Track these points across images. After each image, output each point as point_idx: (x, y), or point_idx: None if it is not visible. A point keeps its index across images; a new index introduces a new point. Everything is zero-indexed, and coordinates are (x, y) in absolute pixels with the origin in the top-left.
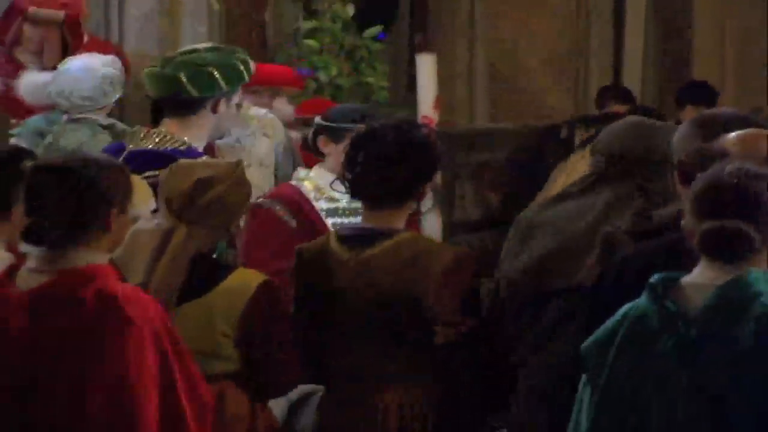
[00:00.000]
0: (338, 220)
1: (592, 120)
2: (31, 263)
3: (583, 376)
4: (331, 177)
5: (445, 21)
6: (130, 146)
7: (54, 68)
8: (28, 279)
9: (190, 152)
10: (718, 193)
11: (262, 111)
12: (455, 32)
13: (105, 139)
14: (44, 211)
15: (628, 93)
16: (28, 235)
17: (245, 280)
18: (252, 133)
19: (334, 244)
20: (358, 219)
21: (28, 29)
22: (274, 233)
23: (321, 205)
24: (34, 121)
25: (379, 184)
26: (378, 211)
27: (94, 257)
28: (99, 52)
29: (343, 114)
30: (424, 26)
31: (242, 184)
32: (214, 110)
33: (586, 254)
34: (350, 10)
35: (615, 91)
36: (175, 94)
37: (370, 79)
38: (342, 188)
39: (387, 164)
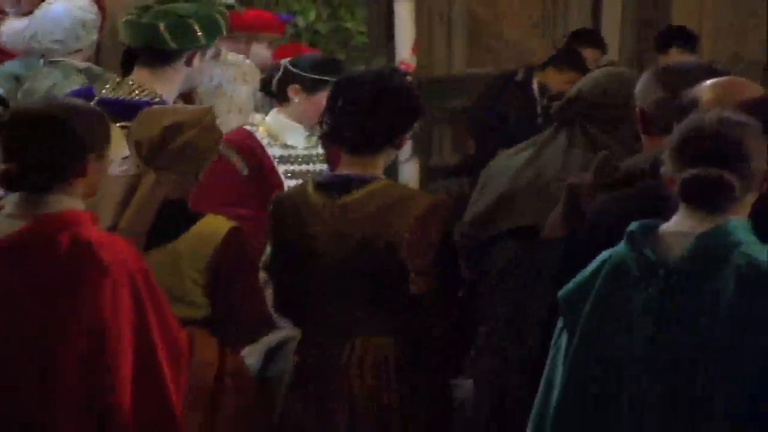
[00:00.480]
0: (291, 167)
1: (553, 60)
2: (8, 209)
3: (560, 322)
4: (290, 124)
5: None
6: (102, 93)
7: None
8: (4, 224)
9: (160, 104)
10: (699, 141)
11: (240, 57)
12: None
13: (79, 82)
14: (21, 157)
15: (598, 38)
16: (6, 181)
17: (214, 226)
18: (232, 79)
19: (311, 191)
20: (314, 166)
21: None
22: (225, 181)
23: (274, 151)
24: (11, 65)
25: (357, 130)
26: (355, 157)
27: (70, 203)
28: None
29: (320, 65)
30: None
31: (212, 130)
32: (189, 63)
33: (535, 198)
34: None
35: (586, 35)
36: (152, 44)
37: (348, 25)
38: (301, 137)
39: (365, 110)
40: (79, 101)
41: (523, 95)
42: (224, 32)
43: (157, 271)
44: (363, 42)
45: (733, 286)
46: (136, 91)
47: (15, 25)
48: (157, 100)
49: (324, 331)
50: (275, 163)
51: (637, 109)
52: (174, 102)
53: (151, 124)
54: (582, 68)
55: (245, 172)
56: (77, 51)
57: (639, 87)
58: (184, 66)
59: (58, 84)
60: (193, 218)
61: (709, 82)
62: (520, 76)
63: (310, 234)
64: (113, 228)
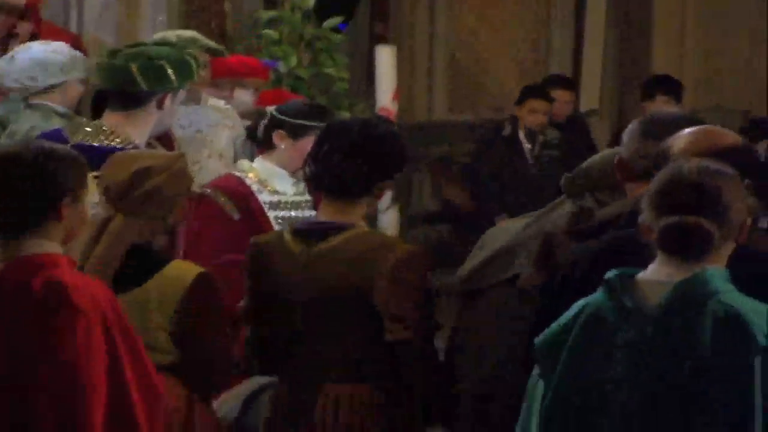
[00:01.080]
0: (281, 213)
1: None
2: None
3: (536, 370)
4: (276, 170)
5: (405, 12)
6: (76, 138)
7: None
8: None
9: (126, 146)
10: (678, 189)
11: (221, 102)
12: (415, 24)
13: (59, 125)
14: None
15: (569, 81)
16: None
17: (181, 272)
18: (213, 124)
19: (287, 237)
20: (302, 212)
21: None
22: (217, 225)
23: (264, 197)
24: None
25: (338, 176)
26: (334, 204)
27: (46, 246)
28: (55, 39)
29: (306, 111)
30: (384, 17)
31: (182, 176)
32: (160, 105)
33: (520, 255)
34: (310, 0)
35: (557, 77)
36: (124, 87)
37: (330, 70)
38: (288, 184)
39: (348, 156)
40: (55, 144)
41: (512, 148)
42: (195, 75)
43: None
44: (344, 88)
45: (710, 335)
46: (110, 137)
47: None
48: (130, 146)
49: (298, 379)
50: (266, 209)
51: (617, 157)
52: (150, 146)
53: (120, 169)
54: (547, 97)
55: (236, 216)
56: (47, 91)
57: (625, 136)
58: (156, 108)
59: (37, 126)
60: (160, 263)
61: (686, 130)
62: (507, 131)
63: (285, 281)
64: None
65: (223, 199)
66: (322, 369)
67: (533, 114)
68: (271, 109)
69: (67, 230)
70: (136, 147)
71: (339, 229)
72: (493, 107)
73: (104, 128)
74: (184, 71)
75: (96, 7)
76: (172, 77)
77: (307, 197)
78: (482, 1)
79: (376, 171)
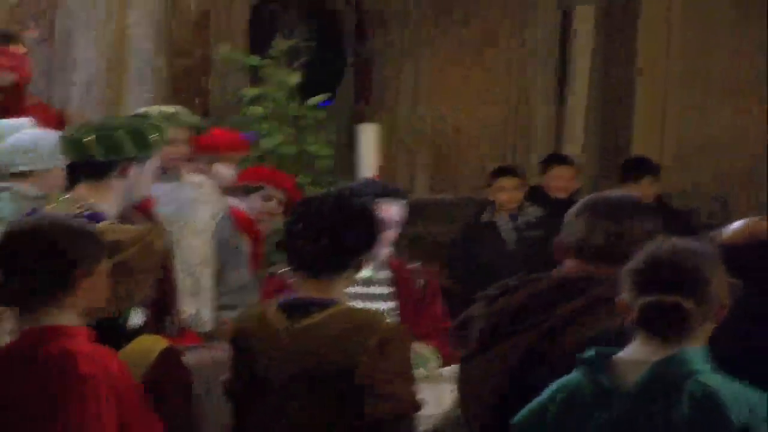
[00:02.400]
0: (351, 289)
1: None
2: (7, 324)
3: None
4: None
5: (388, 91)
6: (46, 209)
7: None
8: (4, 340)
9: (93, 217)
10: (657, 269)
11: (200, 178)
12: (398, 103)
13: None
14: (8, 273)
15: (568, 157)
16: (1, 297)
17: (147, 345)
18: (191, 200)
19: (271, 312)
20: (373, 288)
21: None
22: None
23: None
24: None
25: (318, 254)
26: (314, 281)
27: (62, 317)
28: (41, 116)
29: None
30: (367, 96)
31: (150, 251)
32: (123, 174)
33: None
34: (295, 78)
35: (557, 156)
36: (83, 158)
37: (313, 148)
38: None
39: (325, 234)
40: (72, 219)
41: (492, 234)
42: (157, 145)
43: None
44: (327, 165)
45: (687, 414)
46: (75, 206)
47: None
48: (86, 213)
49: None
50: None
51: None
52: (126, 219)
53: None
54: (515, 173)
55: None
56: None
57: (567, 217)
58: (120, 177)
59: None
60: (127, 337)
61: (737, 223)
62: (486, 216)
63: (267, 356)
64: None
65: (289, 275)
66: None
67: (503, 192)
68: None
69: (85, 301)
70: (97, 216)
71: (322, 305)
72: (473, 186)
73: (69, 198)
74: (141, 140)
75: (82, 84)
76: (128, 146)
77: (380, 274)
78: (463, 81)
79: (354, 248)
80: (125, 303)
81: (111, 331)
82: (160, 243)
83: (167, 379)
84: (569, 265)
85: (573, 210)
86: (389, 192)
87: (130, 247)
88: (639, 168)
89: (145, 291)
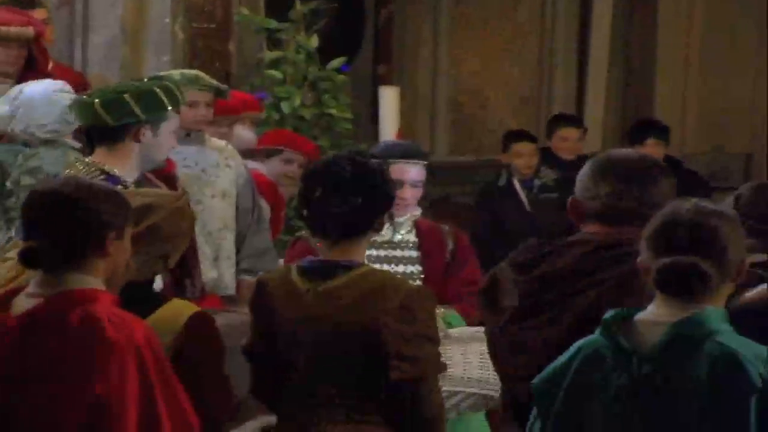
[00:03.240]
0: (374, 252)
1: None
2: (30, 288)
3: (534, 410)
4: None
5: (408, 53)
6: (65, 173)
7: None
8: (24, 303)
9: (110, 181)
10: (674, 230)
11: (222, 142)
12: (418, 65)
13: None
14: (39, 236)
15: (575, 118)
16: (23, 259)
17: (176, 311)
18: (215, 164)
19: (294, 276)
20: (397, 252)
21: None
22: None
23: None
24: None
25: (339, 220)
26: (338, 244)
27: (87, 281)
28: (62, 77)
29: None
30: (387, 58)
31: (183, 215)
32: (137, 138)
33: None
34: (314, 41)
35: (563, 116)
36: (94, 122)
37: (333, 111)
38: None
39: (345, 200)
40: (100, 182)
41: (510, 199)
42: (168, 106)
43: None
44: (347, 128)
45: (705, 375)
46: (92, 169)
47: None
48: (101, 177)
49: (299, 418)
50: None
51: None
52: (151, 182)
53: None
54: (530, 138)
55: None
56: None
57: (578, 176)
58: (133, 142)
59: (56, 162)
60: (157, 302)
61: (758, 288)
62: (502, 181)
63: (290, 318)
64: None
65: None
66: (323, 408)
67: (520, 157)
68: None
69: (111, 265)
70: (117, 179)
71: (346, 267)
72: (494, 148)
73: (86, 162)
74: (150, 102)
75: (100, 46)
76: (135, 108)
77: (405, 237)
78: (484, 43)
79: (374, 208)
80: (158, 267)
81: (141, 296)
82: (189, 206)
83: (198, 343)
84: (592, 229)
85: (588, 171)
86: (408, 153)
87: (161, 210)
88: (643, 129)
89: (177, 255)
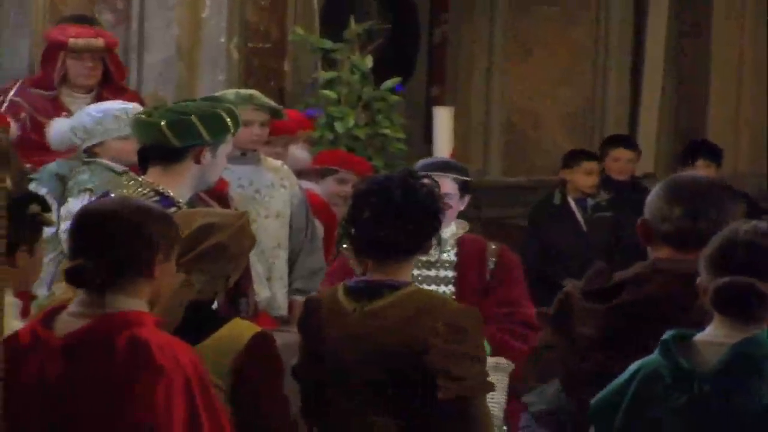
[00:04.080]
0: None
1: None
2: (72, 307)
3: (591, 430)
4: None
5: (462, 74)
6: (116, 193)
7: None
8: (67, 323)
9: (163, 201)
10: (732, 251)
11: (278, 162)
12: (471, 86)
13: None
14: (88, 255)
15: (630, 140)
16: (70, 277)
17: (238, 331)
18: (270, 184)
19: (341, 295)
20: (434, 272)
21: (72, 63)
22: (339, 276)
23: None
24: (55, 165)
25: (386, 242)
26: (384, 265)
27: (132, 303)
28: (119, 98)
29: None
30: (441, 79)
31: (244, 235)
32: (197, 160)
33: None
34: (369, 61)
35: (618, 137)
36: (157, 142)
37: (387, 131)
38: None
39: (393, 223)
40: (152, 204)
41: (565, 217)
42: (231, 129)
43: None
44: (401, 148)
45: (766, 396)
46: (140, 189)
47: (59, 124)
48: (154, 198)
49: None
50: None
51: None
52: (205, 203)
53: (183, 226)
54: (597, 158)
55: (359, 271)
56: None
57: (649, 198)
58: (193, 163)
59: (88, 181)
60: (218, 322)
61: None
62: (557, 199)
63: (336, 338)
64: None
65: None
66: (370, 429)
67: (588, 176)
68: None
69: (156, 288)
70: (166, 198)
71: (392, 287)
72: (547, 169)
73: (144, 182)
74: (215, 125)
75: (156, 65)
76: (202, 131)
77: (444, 257)
78: (538, 63)
79: (421, 232)
80: (220, 286)
81: (203, 315)
82: (250, 226)
83: (259, 363)
84: (664, 253)
85: (660, 192)
86: (438, 166)
87: (224, 230)
88: (694, 150)
89: (238, 274)
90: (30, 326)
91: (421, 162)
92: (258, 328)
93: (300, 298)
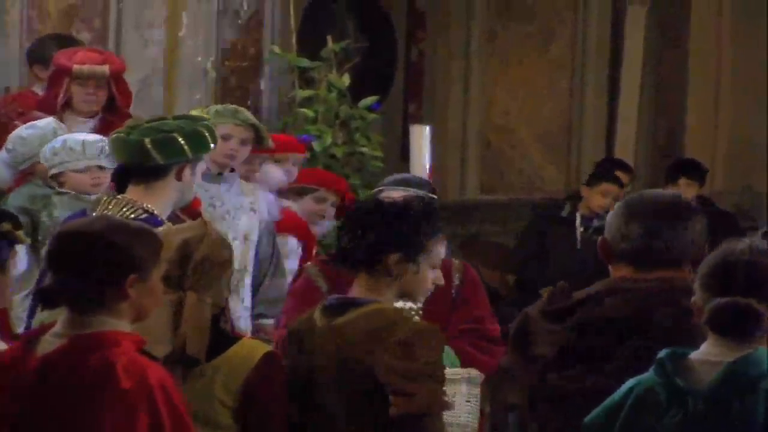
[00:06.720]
0: None
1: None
2: (56, 327)
3: None
4: None
5: (439, 92)
6: (97, 212)
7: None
8: (49, 343)
9: (150, 220)
10: (728, 270)
11: (250, 186)
12: (448, 103)
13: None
14: (59, 273)
15: (626, 164)
16: (42, 298)
17: (249, 350)
18: (240, 206)
19: (317, 313)
20: None
21: (76, 89)
22: (304, 293)
23: None
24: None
25: (355, 250)
26: (363, 281)
27: (111, 324)
28: (120, 122)
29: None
30: (418, 97)
31: (220, 241)
32: (179, 177)
33: None
34: (346, 80)
35: (614, 160)
36: (140, 160)
37: (364, 149)
38: None
39: (362, 231)
40: (131, 222)
41: (568, 229)
42: (211, 146)
43: (189, 391)
44: (378, 166)
45: (763, 414)
46: (124, 208)
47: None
48: (143, 216)
49: None
50: None
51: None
52: (178, 219)
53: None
54: (618, 182)
55: (324, 288)
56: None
57: (609, 216)
58: (175, 180)
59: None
60: (229, 340)
61: None
62: (566, 212)
63: (308, 356)
64: (175, 352)
65: (314, 270)
66: None
67: (605, 197)
68: None
69: (137, 308)
70: (150, 216)
71: (358, 304)
72: (524, 187)
73: (129, 201)
74: (198, 142)
75: (133, 84)
76: (186, 148)
77: None
78: (515, 81)
79: (384, 247)
80: (227, 293)
81: (214, 334)
82: (218, 233)
83: (269, 382)
84: (623, 272)
85: (619, 210)
86: (398, 181)
87: (202, 241)
88: (677, 168)
89: (228, 282)
90: (14, 346)
91: (388, 178)
92: (268, 347)
93: (264, 322)
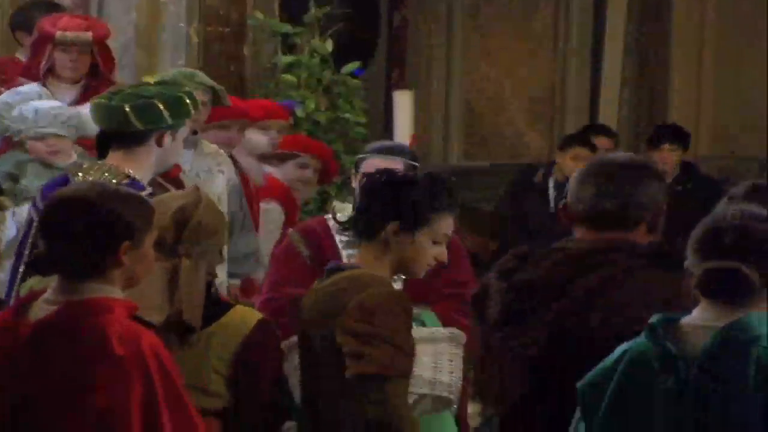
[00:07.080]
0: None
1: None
2: (47, 293)
3: (577, 412)
4: None
5: (422, 58)
6: (75, 178)
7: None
8: (41, 309)
9: (133, 186)
10: (719, 235)
11: (214, 147)
12: (431, 69)
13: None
14: (51, 240)
15: (611, 129)
16: (35, 265)
17: (242, 317)
18: (207, 169)
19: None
20: None
21: (59, 55)
22: (286, 259)
23: (343, 237)
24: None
25: (359, 224)
26: (363, 251)
27: (103, 291)
28: (104, 88)
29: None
30: (401, 63)
31: (213, 206)
32: (159, 143)
33: None
34: (329, 45)
35: (598, 126)
36: (120, 126)
37: (348, 115)
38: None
39: (369, 203)
40: (120, 187)
41: (540, 197)
42: (192, 113)
43: (180, 359)
44: (361, 132)
45: (753, 379)
46: (107, 174)
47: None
48: (125, 182)
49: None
50: (341, 248)
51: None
52: (162, 187)
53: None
54: (590, 145)
55: (306, 253)
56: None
57: (572, 181)
58: (155, 146)
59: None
60: (223, 308)
61: None
62: (538, 178)
63: (302, 319)
64: (170, 319)
65: (296, 236)
66: (326, 405)
67: (576, 161)
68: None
69: (129, 275)
70: (135, 182)
71: (344, 269)
72: (508, 153)
73: (102, 165)
74: (177, 109)
75: (115, 50)
76: (166, 114)
77: None
78: (497, 46)
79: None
80: (217, 260)
81: (208, 302)
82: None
83: (261, 349)
84: (579, 234)
85: (576, 174)
86: (382, 149)
87: (196, 206)
88: (659, 134)
89: (222, 247)
90: (6, 312)
91: (371, 146)
92: (260, 315)
93: (232, 282)
